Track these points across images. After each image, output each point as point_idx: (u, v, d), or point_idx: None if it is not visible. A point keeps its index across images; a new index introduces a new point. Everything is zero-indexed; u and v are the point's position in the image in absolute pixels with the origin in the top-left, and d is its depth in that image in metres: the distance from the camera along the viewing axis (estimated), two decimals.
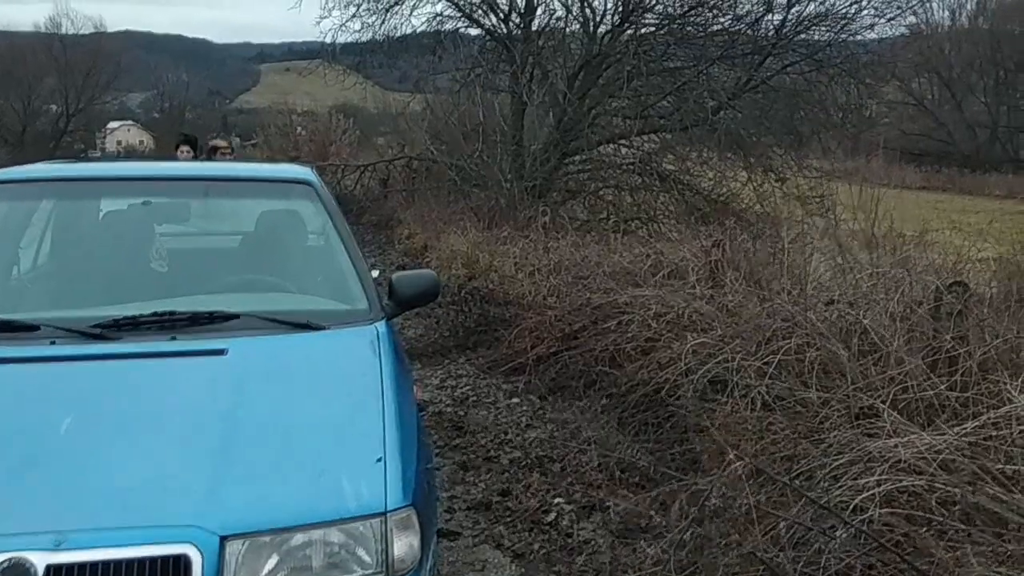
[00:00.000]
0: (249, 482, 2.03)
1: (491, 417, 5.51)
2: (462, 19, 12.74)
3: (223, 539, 1.90)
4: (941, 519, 2.83)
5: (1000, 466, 2.94)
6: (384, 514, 2.04)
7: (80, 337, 2.58)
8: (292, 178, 3.71)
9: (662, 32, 11.59)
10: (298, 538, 1.97)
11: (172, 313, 2.70)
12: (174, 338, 2.63)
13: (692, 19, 11.39)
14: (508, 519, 3.98)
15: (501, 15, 12.41)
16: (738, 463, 3.17)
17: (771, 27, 11.17)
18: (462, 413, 5.48)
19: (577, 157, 12.29)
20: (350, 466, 2.14)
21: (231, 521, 1.92)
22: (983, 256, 6.15)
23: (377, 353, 2.69)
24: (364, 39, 12.97)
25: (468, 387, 6.13)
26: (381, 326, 2.88)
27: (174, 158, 8.16)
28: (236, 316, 2.72)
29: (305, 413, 2.35)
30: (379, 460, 2.15)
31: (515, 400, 5.75)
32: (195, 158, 8.15)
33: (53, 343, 2.55)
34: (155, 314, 2.69)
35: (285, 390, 2.45)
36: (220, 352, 2.53)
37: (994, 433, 3.09)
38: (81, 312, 2.74)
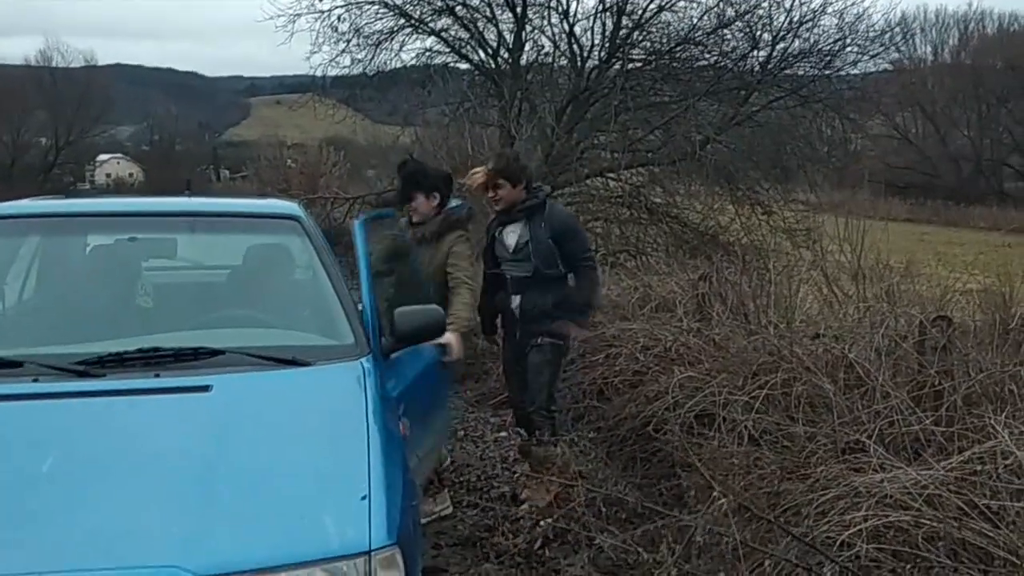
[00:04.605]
0: (231, 522, 2.01)
1: (478, 452, 5.48)
2: (451, 54, 12.87)
3: None
4: (928, 555, 2.83)
5: (986, 501, 2.95)
6: (368, 553, 2.02)
7: (64, 374, 2.56)
8: (278, 213, 3.71)
9: (649, 68, 11.73)
10: None
11: (157, 349, 2.69)
12: (158, 375, 2.61)
13: (679, 55, 11.54)
14: (495, 555, 3.94)
15: (490, 51, 12.53)
16: (724, 500, 3.17)
17: (757, 63, 11.34)
18: (449, 447, 5.44)
19: (566, 190, 12.32)
20: (334, 504, 2.13)
21: (212, 562, 1.90)
22: (968, 288, 6.19)
23: (363, 389, 2.68)
24: (354, 73, 13.07)
25: (456, 420, 6.08)
26: (367, 361, 2.87)
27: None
28: (221, 352, 2.71)
29: (289, 450, 2.34)
30: (363, 498, 2.13)
31: (503, 434, 5.72)
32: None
33: (36, 380, 2.53)
34: (140, 350, 2.68)
35: (269, 427, 2.44)
36: (204, 389, 2.52)
37: (979, 468, 3.10)
38: (65, 348, 2.72)
